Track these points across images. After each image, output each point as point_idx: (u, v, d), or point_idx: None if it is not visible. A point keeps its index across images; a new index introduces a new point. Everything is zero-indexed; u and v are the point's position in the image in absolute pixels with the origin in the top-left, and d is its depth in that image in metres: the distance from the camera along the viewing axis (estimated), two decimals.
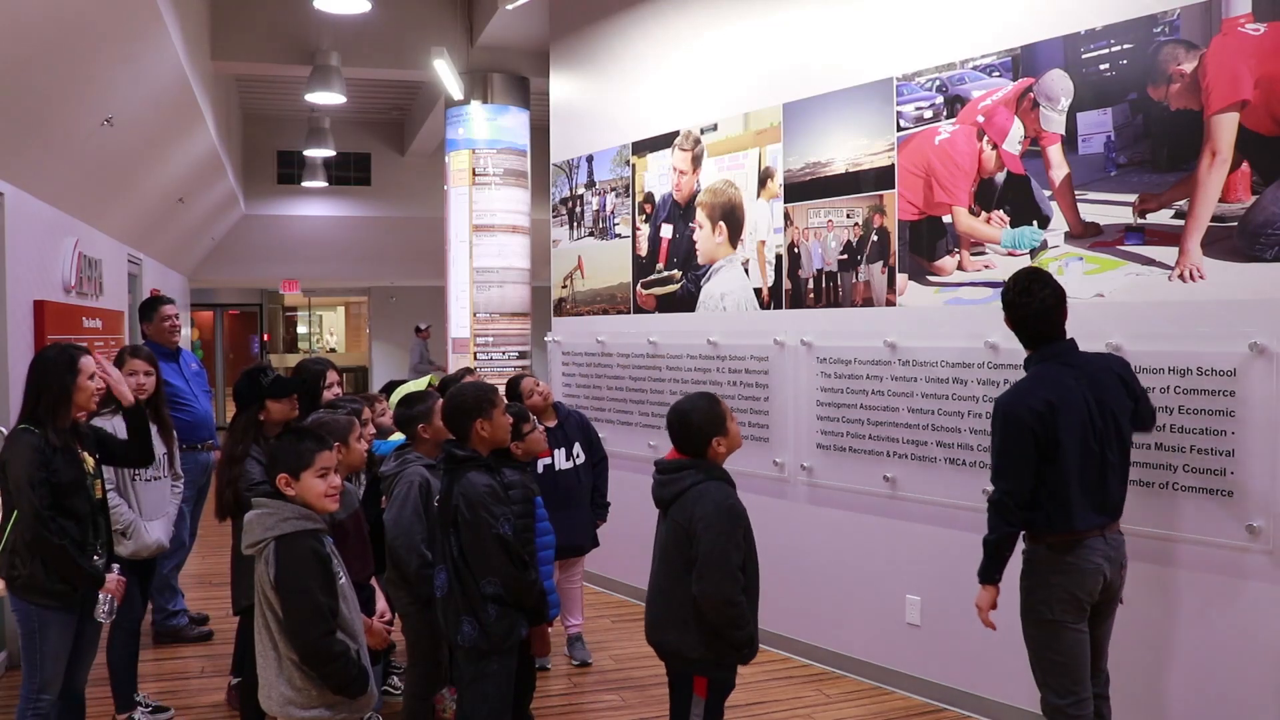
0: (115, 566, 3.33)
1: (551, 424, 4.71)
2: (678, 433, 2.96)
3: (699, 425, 2.92)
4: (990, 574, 3.07)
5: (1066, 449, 2.96)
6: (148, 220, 8.42)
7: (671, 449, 3.01)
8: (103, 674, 4.07)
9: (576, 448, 4.74)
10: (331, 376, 4.15)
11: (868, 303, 4.52)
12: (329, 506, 2.67)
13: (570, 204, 6.54)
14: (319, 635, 2.50)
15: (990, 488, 4.10)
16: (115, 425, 3.67)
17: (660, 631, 2.93)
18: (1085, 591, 3.01)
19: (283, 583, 2.51)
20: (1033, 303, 3.06)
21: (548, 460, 4.61)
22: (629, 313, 5.98)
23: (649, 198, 5.83)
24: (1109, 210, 3.65)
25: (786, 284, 4.92)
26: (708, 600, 2.78)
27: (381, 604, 3.48)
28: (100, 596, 3.26)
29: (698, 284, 5.46)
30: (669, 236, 5.68)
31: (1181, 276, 3.45)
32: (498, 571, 3.03)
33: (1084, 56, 3.71)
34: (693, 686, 2.88)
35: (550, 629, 3.60)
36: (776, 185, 4.97)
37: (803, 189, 4.83)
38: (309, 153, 11.48)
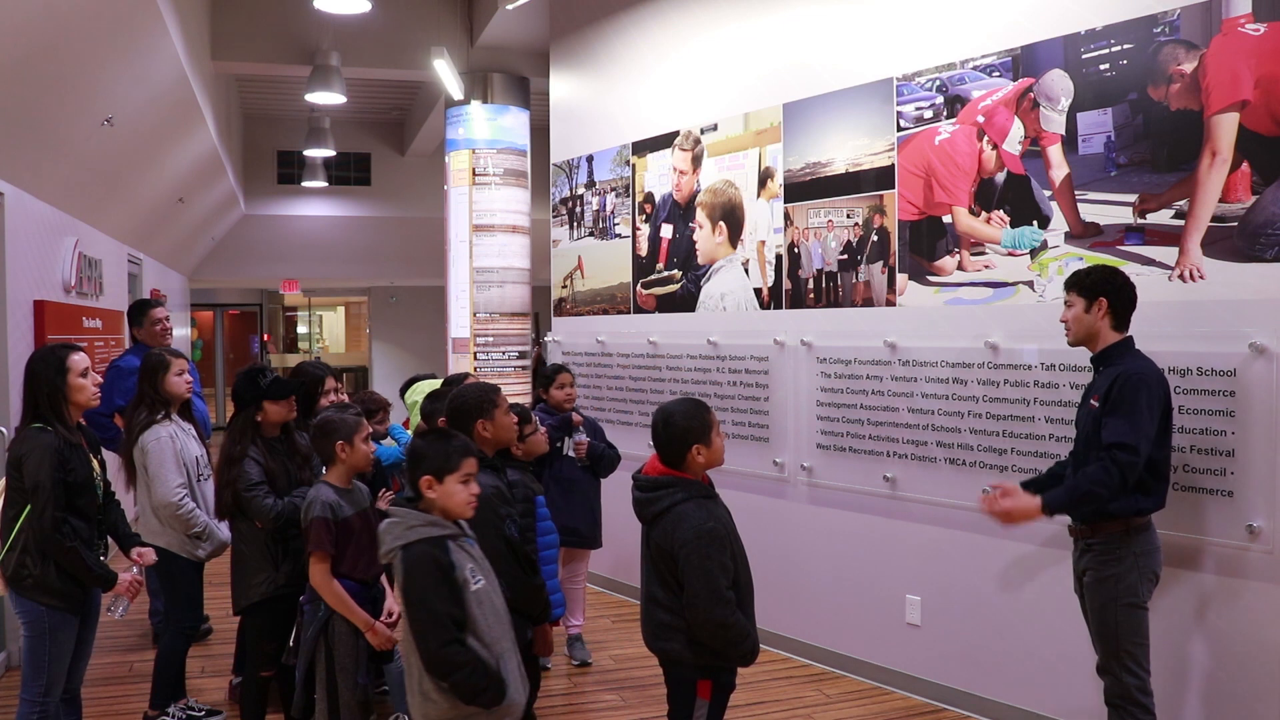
0: (135, 568, 3.36)
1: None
2: (659, 434, 2.85)
3: (681, 428, 2.81)
4: (1055, 509, 3.05)
5: (1170, 427, 3.05)
6: (148, 220, 8.43)
7: (651, 458, 2.92)
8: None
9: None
10: (330, 383, 4.18)
11: (868, 303, 4.52)
12: (467, 513, 2.64)
13: (570, 204, 6.54)
14: (439, 644, 2.45)
15: (988, 486, 4.09)
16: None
17: (658, 640, 2.90)
18: (1160, 569, 3.12)
19: (407, 592, 2.50)
20: (1134, 291, 3.17)
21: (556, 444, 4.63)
22: (629, 313, 5.98)
23: (649, 198, 5.83)
24: (1109, 210, 3.66)
25: (786, 284, 4.92)
26: (702, 628, 2.74)
27: (389, 603, 3.47)
28: (114, 597, 3.27)
29: (698, 284, 5.46)
30: (669, 236, 5.68)
31: (1182, 276, 3.45)
32: (503, 574, 3.01)
33: (1084, 56, 3.71)
34: (695, 689, 2.87)
35: (553, 628, 3.60)
36: (776, 185, 4.97)
37: (803, 189, 4.83)
38: (309, 153, 11.46)
